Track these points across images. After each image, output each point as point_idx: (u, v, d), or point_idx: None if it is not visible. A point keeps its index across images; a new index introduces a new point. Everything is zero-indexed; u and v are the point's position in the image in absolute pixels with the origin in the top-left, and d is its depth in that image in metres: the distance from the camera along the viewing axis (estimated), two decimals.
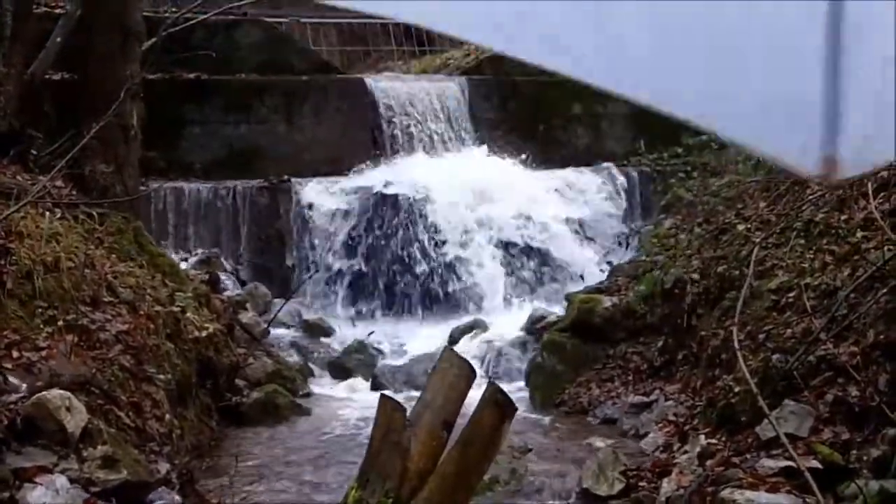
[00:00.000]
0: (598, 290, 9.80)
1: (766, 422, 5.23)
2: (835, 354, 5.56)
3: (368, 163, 13.07)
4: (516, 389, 8.92)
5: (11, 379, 5.45)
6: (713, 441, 5.95)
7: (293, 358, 9.72)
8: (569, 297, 9.86)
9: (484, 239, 11.97)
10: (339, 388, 9.56)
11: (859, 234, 6.51)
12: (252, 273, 11.68)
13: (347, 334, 10.80)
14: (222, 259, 11.33)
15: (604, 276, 10.79)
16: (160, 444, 6.21)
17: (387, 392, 6.31)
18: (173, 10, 12.45)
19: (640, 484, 5.83)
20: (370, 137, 13.47)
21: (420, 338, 10.67)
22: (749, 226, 7.82)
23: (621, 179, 13.25)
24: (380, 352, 10.40)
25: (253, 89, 13.05)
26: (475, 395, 4.32)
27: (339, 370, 9.94)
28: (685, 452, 6.11)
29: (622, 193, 13.11)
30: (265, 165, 12.64)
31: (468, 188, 12.31)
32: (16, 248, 6.48)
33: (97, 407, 5.78)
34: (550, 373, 8.88)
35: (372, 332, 10.72)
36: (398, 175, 12.54)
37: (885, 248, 5.85)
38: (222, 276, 10.66)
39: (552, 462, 6.73)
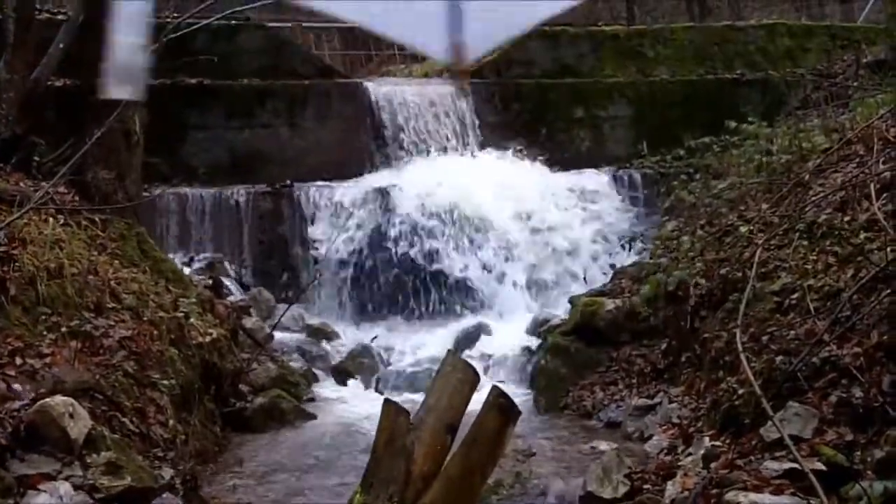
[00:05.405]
0: (602, 292, 9.78)
1: (770, 424, 5.22)
2: (838, 356, 5.55)
3: (371, 166, 13.12)
4: (520, 392, 8.92)
5: (15, 386, 5.45)
6: (717, 443, 5.94)
7: (297, 362, 9.72)
8: (572, 300, 9.85)
9: (492, 241, 11.96)
10: (343, 393, 9.55)
11: (862, 235, 6.50)
12: (255, 278, 11.68)
13: (351, 338, 10.81)
14: (226, 264, 11.34)
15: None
16: (164, 450, 6.21)
17: (390, 396, 6.31)
18: (175, 15, 12.46)
19: (645, 487, 5.82)
20: (372, 141, 13.50)
21: (424, 341, 10.67)
22: (752, 228, 7.81)
23: (624, 182, 13.25)
24: (383, 356, 10.39)
25: (255, 94, 13.09)
26: (479, 398, 4.31)
27: (343, 374, 9.94)
28: (689, 455, 6.10)
29: (626, 196, 13.11)
30: (268, 170, 12.66)
31: (474, 190, 12.30)
32: (19, 255, 6.49)
33: (101, 413, 5.78)
34: (554, 376, 8.87)
35: (376, 337, 10.72)
36: (401, 179, 12.56)
37: (888, 248, 5.84)
38: (226, 282, 10.67)
39: (556, 465, 6.72)
